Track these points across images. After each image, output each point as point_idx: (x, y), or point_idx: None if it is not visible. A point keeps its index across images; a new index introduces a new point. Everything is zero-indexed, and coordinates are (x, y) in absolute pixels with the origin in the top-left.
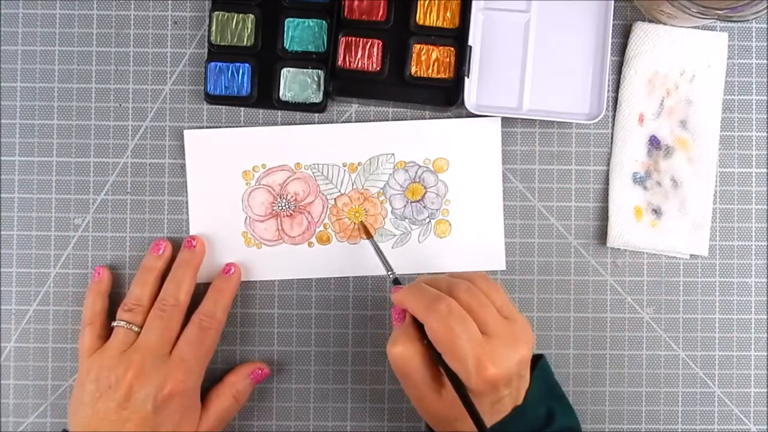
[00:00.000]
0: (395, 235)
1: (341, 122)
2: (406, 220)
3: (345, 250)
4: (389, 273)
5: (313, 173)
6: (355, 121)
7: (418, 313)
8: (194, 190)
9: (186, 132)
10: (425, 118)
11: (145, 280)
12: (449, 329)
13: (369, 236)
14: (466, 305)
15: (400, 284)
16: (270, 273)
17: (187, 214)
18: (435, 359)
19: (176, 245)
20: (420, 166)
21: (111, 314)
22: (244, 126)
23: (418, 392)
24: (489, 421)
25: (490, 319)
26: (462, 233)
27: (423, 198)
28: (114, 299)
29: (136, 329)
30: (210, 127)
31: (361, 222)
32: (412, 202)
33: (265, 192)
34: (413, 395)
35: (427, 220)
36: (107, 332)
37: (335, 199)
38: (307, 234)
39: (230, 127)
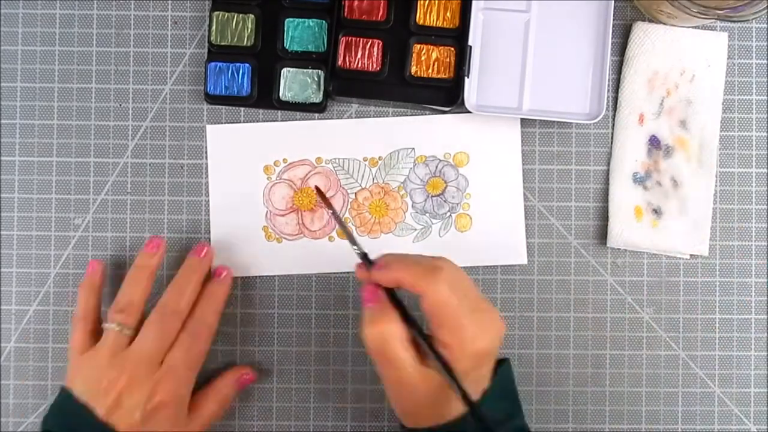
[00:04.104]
0: (416, 230)
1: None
2: (427, 215)
3: (365, 245)
4: (354, 248)
5: (333, 167)
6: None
7: (416, 284)
8: (215, 185)
9: (208, 127)
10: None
11: (138, 279)
12: (450, 298)
13: (329, 206)
14: None
15: (370, 260)
16: (290, 267)
17: (187, 215)
18: (419, 336)
19: (175, 245)
20: (440, 161)
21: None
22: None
23: (397, 375)
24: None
25: (472, 294)
26: (483, 227)
27: (443, 192)
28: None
29: (127, 332)
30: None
31: (316, 186)
32: (432, 196)
33: (286, 186)
34: (391, 378)
35: (448, 214)
36: (98, 329)
37: (356, 193)
38: (328, 228)
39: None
